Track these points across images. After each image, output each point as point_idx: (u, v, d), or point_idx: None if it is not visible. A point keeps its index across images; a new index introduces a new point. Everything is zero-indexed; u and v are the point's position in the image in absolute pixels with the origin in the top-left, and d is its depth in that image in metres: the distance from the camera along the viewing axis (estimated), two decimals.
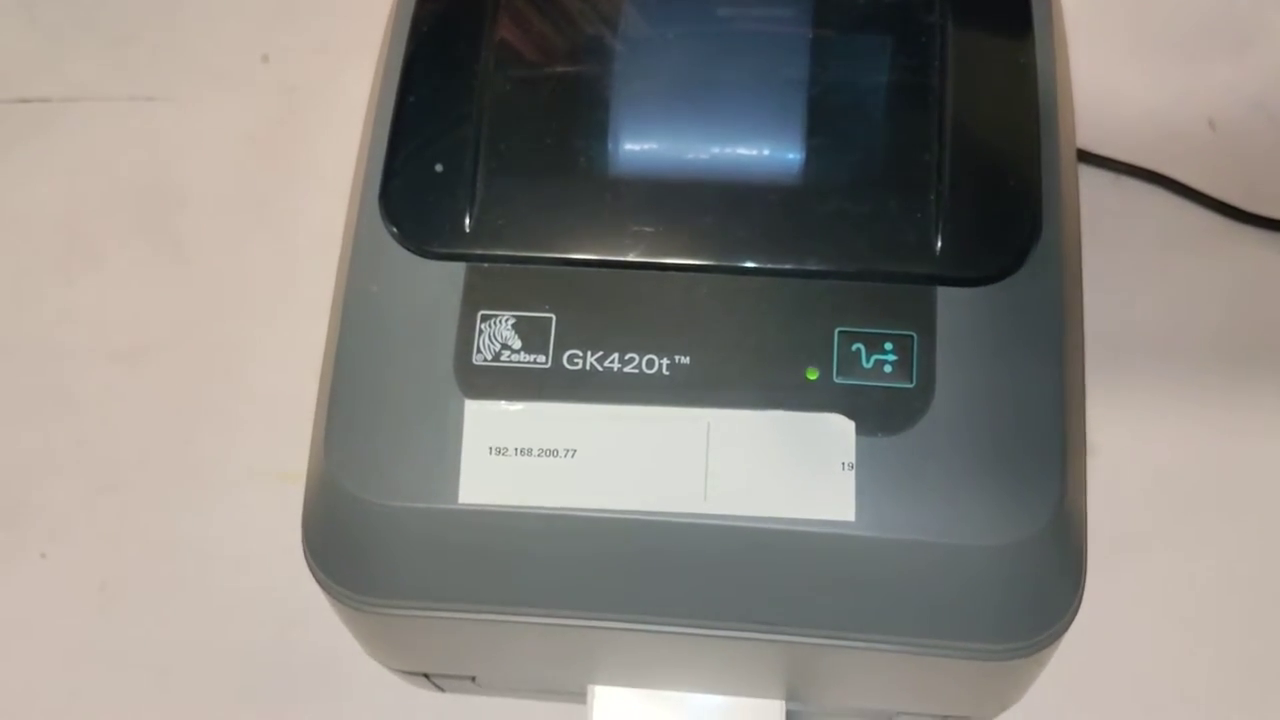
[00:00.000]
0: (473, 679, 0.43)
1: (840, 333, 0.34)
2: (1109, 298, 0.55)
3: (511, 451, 0.34)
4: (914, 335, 0.34)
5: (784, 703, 0.40)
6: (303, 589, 0.49)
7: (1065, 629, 0.34)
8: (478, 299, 0.35)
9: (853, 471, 0.33)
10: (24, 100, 0.63)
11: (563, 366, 0.34)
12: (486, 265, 0.35)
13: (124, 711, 0.49)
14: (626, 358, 0.34)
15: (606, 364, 0.34)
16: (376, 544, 0.34)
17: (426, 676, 0.43)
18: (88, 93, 0.63)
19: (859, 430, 0.33)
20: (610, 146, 0.36)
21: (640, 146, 0.36)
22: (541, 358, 0.34)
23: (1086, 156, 0.58)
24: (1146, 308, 0.55)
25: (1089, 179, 0.58)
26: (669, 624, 0.34)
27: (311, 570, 0.36)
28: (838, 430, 0.33)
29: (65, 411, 0.55)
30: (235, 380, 0.56)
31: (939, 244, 0.34)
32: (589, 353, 0.34)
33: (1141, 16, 0.62)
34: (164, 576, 0.52)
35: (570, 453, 0.34)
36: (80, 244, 0.59)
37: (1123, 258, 0.56)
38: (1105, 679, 0.48)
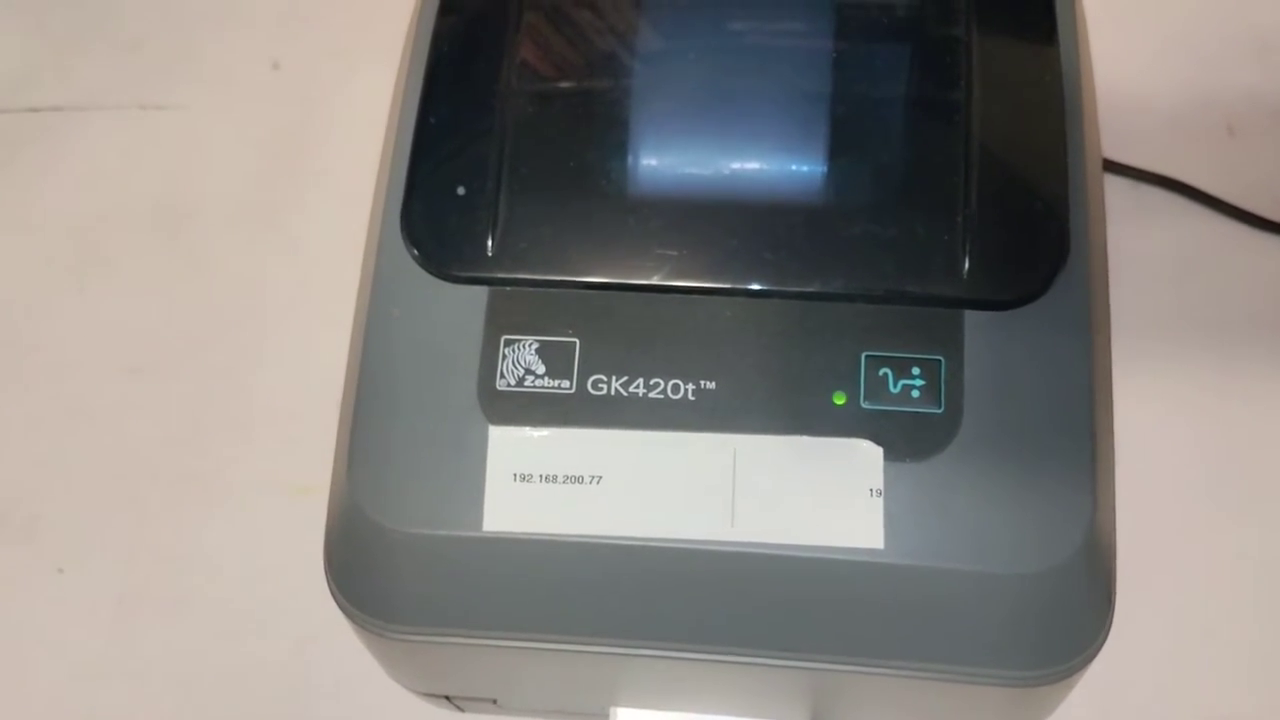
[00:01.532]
0: (494, 701, 0.42)
1: (867, 357, 0.34)
2: (1129, 303, 0.54)
3: (536, 478, 0.33)
4: (942, 359, 0.33)
5: None
6: (318, 603, 0.49)
7: (1095, 655, 0.34)
8: (501, 323, 0.34)
9: (881, 498, 0.33)
10: (34, 109, 0.63)
11: (587, 392, 0.34)
12: (509, 289, 0.35)
13: None
14: (652, 383, 0.34)
15: (631, 389, 0.34)
16: (399, 571, 0.34)
17: (447, 699, 0.42)
18: (98, 101, 0.63)
19: (887, 456, 0.33)
20: (633, 168, 0.36)
21: (663, 168, 0.36)
22: (566, 383, 0.34)
23: (1105, 164, 0.57)
24: (1166, 312, 0.55)
25: (1107, 186, 0.58)
26: (694, 651, 0.34)
27: (334, 596, 0.36)
28: (865, 456, 0.33)
29: (79, 424, 0.55)
30: (249, 392, 0.55)
31: (966, 266, 0.34)
32: (614, 378, 0.34)
33: (1161, 23, 0.62)
34: (180, 591, 0.52)
35: (595, 479, 0.33)
36: (91, 254, 0.59)
37: (1141, 263, 0.56)
38: (1126, 677, 0.48)
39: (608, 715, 0.41)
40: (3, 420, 0.55)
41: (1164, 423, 0.53)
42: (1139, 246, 0.56)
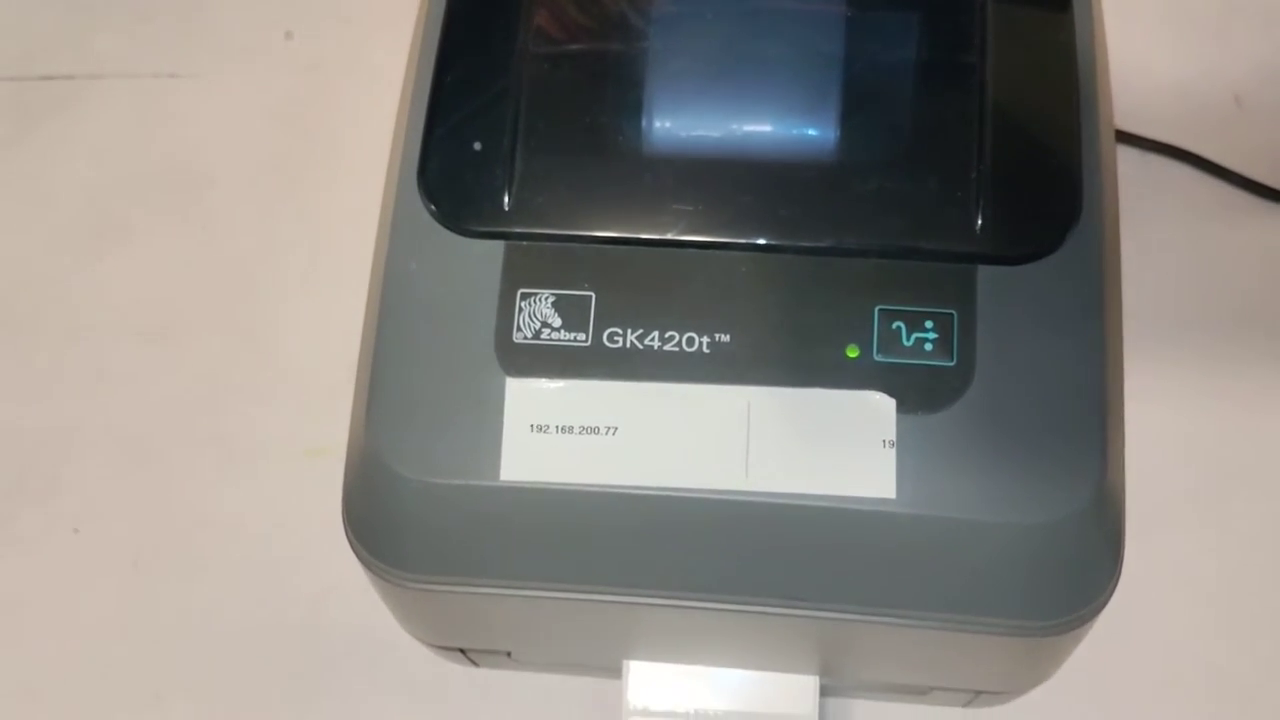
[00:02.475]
0: (508, 654, 0.43)
1: (881, 311, 0.34)
2: (1136, 272, 0.55)
3: (552, 429, 0.34)
4: (954, 313, 0.34)
5: (817, 678, 0.40)
6: (331, 562, 0.50)
7: (1103, 606, 0.34)
8: (517, 277, 0.35)
9: (893, 449, 0.33)
10: (49, 78, 0.63)
11: (603, 344, 0.34)
12: (526, 243, 0.35)
13: (157, 683, 0.50)
14: (667, 335, 0.34)
15: (647, 342, 0.34)
16: (417, 520, 0.35)
17: (462, 652, 0.43)
18: (112, 70, 0.63)
19: (899, 408, 0.33)
20: (648, 125, 0.36)
21: (678, 125, 0.36)
22: (582, 335, 0.34)
23: (1115, 134, 0.58)
24: (1174, 282, 0.55)
25: (1118, 156, 0.58)
26: (708, 600, 0.34)
27: (352, 546, 0.36)
28: (878, 408, 0.33)
29: (95, 389, 0.55)
30: (262, 356, 0.56)
31: (979, 222, 0.34)
32: (629, 330, 0.34)
33: None
34: (195, 551, 0.52)
35: (611, 430, 0.34)
36: (107, 221, 0.59)
37: (1148, 232, 0.56)
38: (1133, 651, 0.49)
39: (620, 670, 0.42)
40: (21, 384, 0.56)
41: (1171, 384, 0.53)
42: (1147, 214, 0.57)
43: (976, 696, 0.42)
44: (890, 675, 0.41)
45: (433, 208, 0.36)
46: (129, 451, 0.54)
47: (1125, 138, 0.58)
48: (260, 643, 0.50)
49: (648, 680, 0.41)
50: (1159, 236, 0.56)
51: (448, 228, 0.36)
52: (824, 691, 0.43)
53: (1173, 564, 0.50)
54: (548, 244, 0.35)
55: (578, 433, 0.34)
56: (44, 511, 0.53)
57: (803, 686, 0.40)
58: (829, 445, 0.33)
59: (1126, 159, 0.58)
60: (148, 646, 0.51)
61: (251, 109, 0.62)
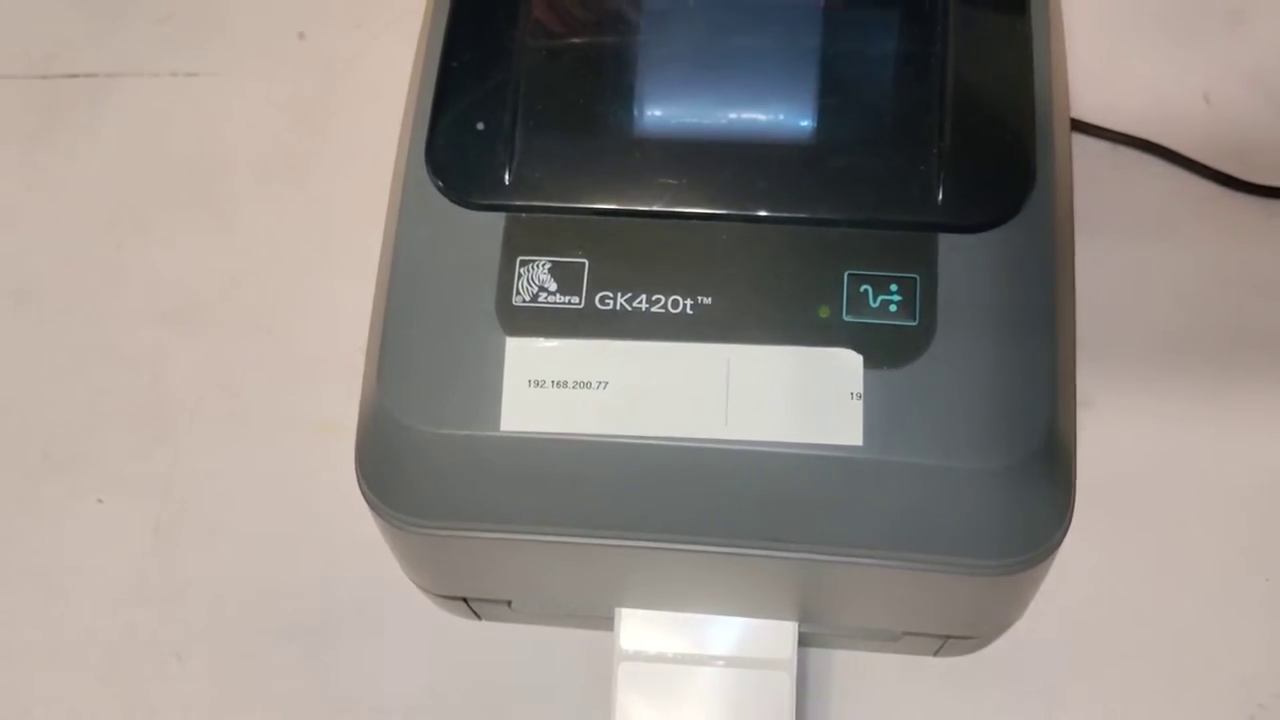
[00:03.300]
0: (508, 603, 0.46)
1: (849, 275, 0.37)
2: (1107, 260, 0.58)
3: (549, 384, 0.37)
4: (917, 277, 0.37)
5: (796, 624, 0.43)
6: (342, 529, 0.53)
7: (1056, 546, 0.37)
8: (517, 245, 0.38)
9: (860, 401, 0.36)
10: (73, 75, 0.66)
11: (595, 307, 0.37)
12: (525, 215, 0.38)
13: (178, 644, 0.53)
14: (654, 298, 0.37)
15: (635, 304, 0.37)
16: (424, 468, 0.37)
17: (465, 602, 0.46)
18: (133, 69, 0.65)
19: (866, 363, 0.36)
20: (638, 107, 0.39)
21: (665, 107, 0.39)
22: (575, 299, 0.37)
23: (1086, 127, 0.61)
24: (1143, 269, 0.58)
25: (1089, 148, 0.61)
26: (691, 542, 0.37)
27: (364, 494, 0.39)
28: (847, 363, 0.36)
29: (118, 368, 0.58)
30: (278, 338, 0.58)
31: (940, 194, 0.37)
32: (619, 294, 0.37)
33: None
34: (212, 520, 0.55)
35: (602, 384, 0.37)
36: (129, 211, 0.62)
37: (1120, 221, 0.59)
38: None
39: (613, 621, 0.44)
40: (47, 364, 0.58)
41: (1138, 368, 0.56)
42: (1119, 204, 0.59)
43: (944, 643, 0.45)
44: (861, 618, 0.44)
45: (439, 183, 0.39)
46: (149, 426, 0.57)
47: (1097, 131, 0.61)
48: (274, 605, 0.53)
49: (638, 626, 0.44)
50: (1128, 223, 0.59)
51: (453, 201, 0.38)
52: (804, 641, 0.46)
53: (1136, 535, 0.52)
54: (545, 215, 0.38)
55: (572, 387, 0.37)
56: (69, 483, 0.56)
57: (782, 632, 0.43)
58: (802, 397, 0.36)
59: (1100, 151, 0.61)
60: (168, 609, 0.53)
61: (265, 105, 0.64)
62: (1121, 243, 0.58)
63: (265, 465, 0.56)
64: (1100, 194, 0.60)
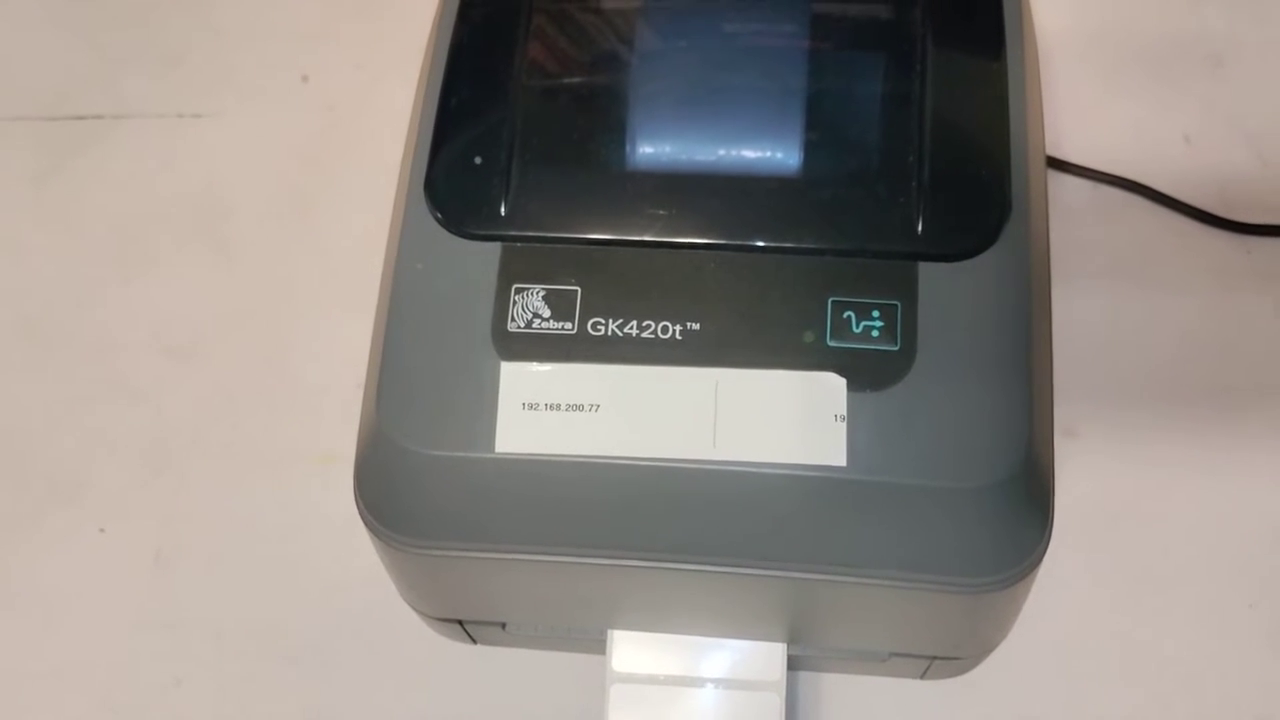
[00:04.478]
0: (503, 626, 0.47)
1: (833, 302, 0.38)
2: (1090, 296, 0.59)
3: (542, 407, 0.38)
4: (899, 304, 0.38)
5: (785, 645, 0.44)
6: (341, 559, 0.54)
7: (1036, 564, 0.38)
8: (512, 274, 0.39)
9: (844, 423, 0.37)
10: (80, 117, 0.67)
11: (587, 332, 0.38)
12: (520, 245, 0.39)
13: (178, 670, 0.53)
14: (644, 324, 0.38)
15: (626, 330, 0.38)
16: (421, 489, 0.39)
17: (460, 625, 0.47)
18: (139, 110, 0.67)
19: (850, 387, 0.37)
20: (629, 142, 0.41)
21: (655, 141, 0.41)
22: (568, 325, 0.39)
23: (1069, 167, 0.62)
24: (1126, 304, 0.59)
25: (1072, 187, 0.62)
26: (681, 560, 0.38)
27: (361, 515, 0.40)
28: (831, 386, 0.37)
29: (122, 400, 0.59)
30: (278, 372, 0.59)
31: (920, 224, 0.39)
32: (610, 320, 0.38)
33: (1121, 38, 0.66)
34: (214, 549, 0.56)
35: (594, 407, 0.38)
36: (135, 248, 0.63)
37: (1103, 258, 0.60)
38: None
39: (605, 643, 0.45)
40: (52, 396, 0.59)
41: (1121, 399, 0.57)
42: (1101, 241, 0.61)
43: (931, 664, 0.45)
44: (847, 638, 0.45)
45: (438, 214, 0.40)
46: (152, 458, 0.58)
47: (1079, 170, 0.62)
48: (273, 633, 0.54)
49: (630, 648, 0.44)
50: (1109, 259, 0.60)
51: (451, 231, 0.40)
52: (793, 664, 0.46)
53: (1121, 556, 0.53)
54: (539, 245, 0.39)
55: (564, 410, 0.38)
56: (73, 512, 0.57)
57: (772, 653, 0.44)
58: (787, 419, 0.37)
59: (1082, 190, 0.62)
60: (169, 636, 0.54)
61: (269, 146, 0.65)
62: (1104, 279, 0.60)
63: (265, 495, 0.56)
64: (1083, 231, 0.61)
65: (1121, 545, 0.54)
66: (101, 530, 0.56)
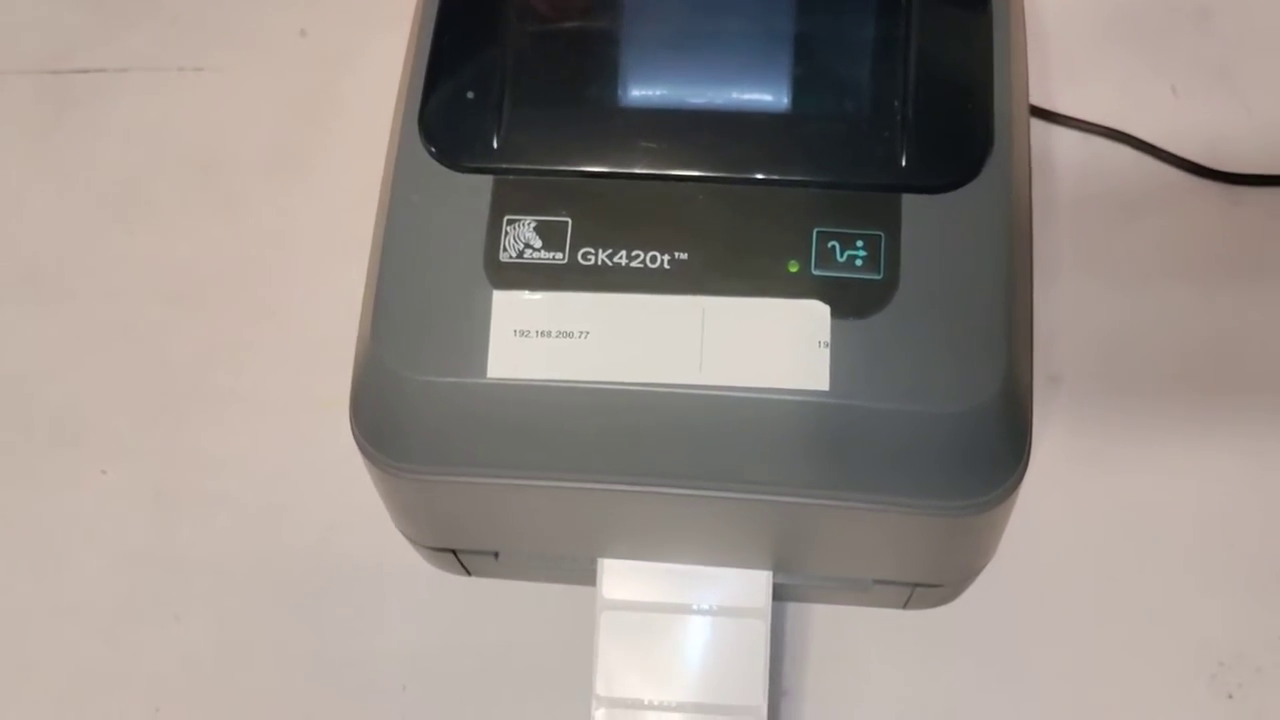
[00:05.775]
0: (495, 555, 0.48)
1: (818, 232, 0.39)
2: (1077, 241, 0.60)
3: (533, 334, 0.39)
4: (882, 235, 0.39)
5: (770, 573, 0.45)
6: (337, 499, 0.55)
7: (1014, 488, 0.39)
8: (504, 206, 0.40)
9: (827, 349, 0.38)
10: (83, 70, 0.68)
11: (577, 262, 0.39)
12: (512, 177, 0.40)
13: (177, 607, 0.54)
14: (633, 254, 0.39)
15: (615, 260, 0.39)
16: (415, 415, 0.40)
17: (454, 555, 0.48)
18: (140, 64, 0.67)
19: (833, 314, 0.38)
20: (619, 77, 0.41)
21: (645, 77, 0.41)
22: (559, 255, 0.39)
23: (1059, 118, 0.63)
24: (1113, 251, 0.60)
25: (1061, 137, 0.63)
26: (668, 485, 0.39)
27: (357, 441, 0.41)
28: (815, 314, 0.38)
29: (124, 346, 0.60)
30: (278, 319, 0.60)
31: (904, 157, 0.39)
32: (600, 250, 0.39)
33: None
34: (213, 490, 0.56)
35: (584, 334, 0.39)
36: (136, 198, 0.64)
37: (1091, 206, 0.61)
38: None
39: (596, 570, 0.46)
40: (56, 341, 0.60)
41: (1109, 343, 0.58)
42: (1090, 190, 0.62)
43: (913, 592, 0.46)
44: (830, 565, 0.46)
45: (431, 148, 0.41)
46: (152, 402, 0.59)
47: (1068, 121, 0.63)
48: (271, 571, 0.55)
49: (620, 577, 0.46)
50: (1099, 209, 0.61)
51: (444, 165, 0.41)
52: (779, 595, 0.48)
53: (1102, 490, 0.54)
54: (530, 178, 0.40)
55: (555, 337, 0.39)
56: (75, 454, 0.58)
57: (757, 581, 0.45)
58: (772, 346, 0.38)
59: (1071, 140, 0.63)
60: (168, 574, 0.55)
61: (267, 100, 0.66)
62: (1092, 226, 0.60)
63: (264, 438, 0.57)
64: (1072, 180, 0.62)
65: (1103, 487, 0.55)
66: (103, 472, 0.57)
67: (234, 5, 0.69)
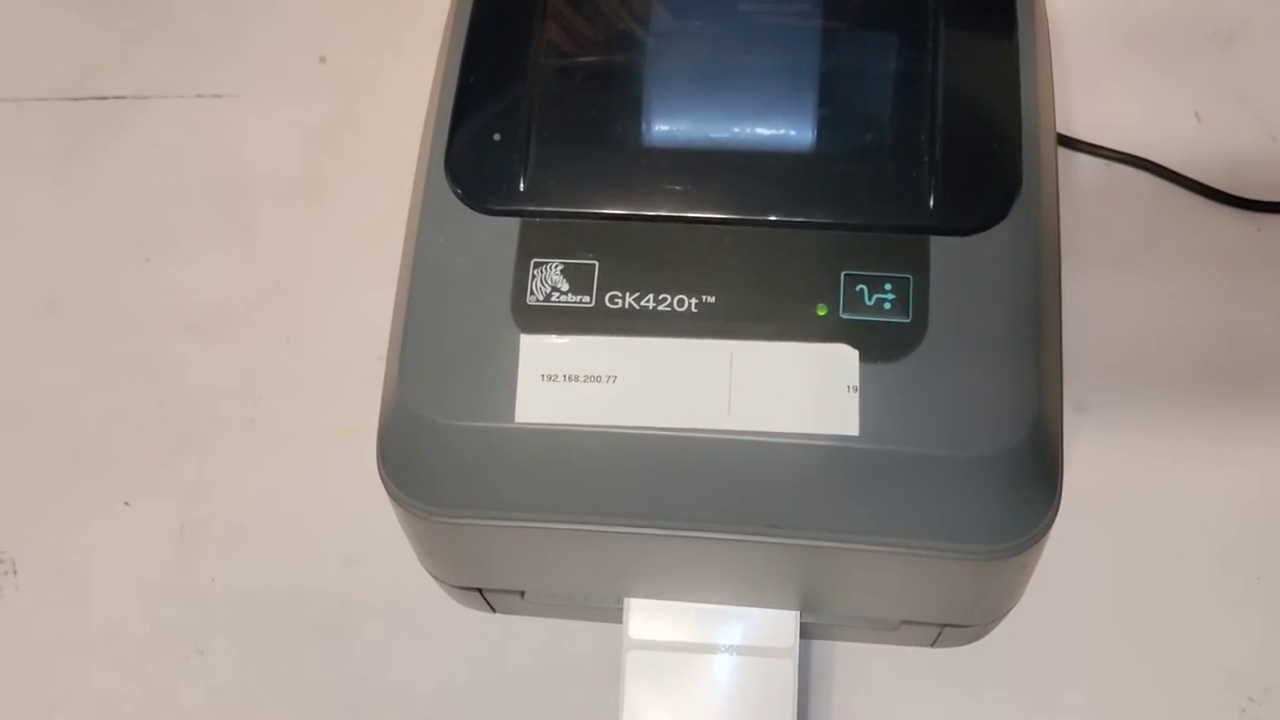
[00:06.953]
0: (521, 594, 0.47)
1: (846, 275, 0.39)
2: (1101, 271, 0.60)
3: (561, 378, 0.39)
4: (910, 277, 0.39)
5: (798, 613, 0.45)
6: (360, 531, 0.55)
7: (1044, 532, 0.39)
8: (531, 248, 0.40)
9: (857, 393, 0.38)
10: (102, 98, 0.68)
11: (605, 305, 0.39)
12: (538, 220, 0.40)
13: (201, 641, 0.54)
14: (660, 297, 0.39)
15: (643, 303, 0.39)
16: (443, 458, 0.39)
17: (480, 593, 0.48)
18: (160, 91, 0.68)
19: (862, 358, 0.38)
20: (645, 118, 0.41)
21: (671, 117, 0.41)
22: (586, 298, 0.39)
23: (1080, 145, 0.63)
24: (1136, 279, 0.60)
25: (1083, 165, 0.63)
26: (696, 529, 0.39)
27: (385, 484, 0.41)
28: (844, 358, 0.38)
29: (146, 377, 0.60)
30: (299, 348, 0.60)
31: (932, 199, 0.39)
32: (627, 293, 0.39)
33: (1131, 15, 0.67)
34: (235, 521, 0.56)
35: (612, 378, 0.39)
36: (156, 227, 0.64)
37: (1113, 234, 0.61)
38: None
39: (622, 612, 0.46)
40: (78, 373, 0.60)
41: (1132, 373, 0.58)
42: (1112, 218, 0.61)
43: (941, 632, 0.46)
44: (858, 606, 0.46)
45: (458, 190, 0.41)
46: (175, 432, 0.59)
47: (1090, 148, 0.63)
48: (293, 603, 0.55)
49: (646, 616, 0.45)
50: (1121, 235, 0.61)
51: (471, 207, 0.41)
52: (806, 633, 0.47)
53: (1129, 527, 0.54)
54: (557, 220, 0.40)
55: (582, 381, 0.39)
56: (98, 486, 0.58)
57: (785, 621, 0.45)
58: (801, 390, 0.38)
59: (1093, 167, 0.63)
60: (191, 607, 0.55)
61: (287, 126, 0.66)
62: (1115, 254, 0.60)
63: (286, 469, 0.57)
64: (1094, 208, 0.62)
65: (1130, 518, 0.54)
66: (126, 504, 0.57)
67: (254, 32, 0.69)
